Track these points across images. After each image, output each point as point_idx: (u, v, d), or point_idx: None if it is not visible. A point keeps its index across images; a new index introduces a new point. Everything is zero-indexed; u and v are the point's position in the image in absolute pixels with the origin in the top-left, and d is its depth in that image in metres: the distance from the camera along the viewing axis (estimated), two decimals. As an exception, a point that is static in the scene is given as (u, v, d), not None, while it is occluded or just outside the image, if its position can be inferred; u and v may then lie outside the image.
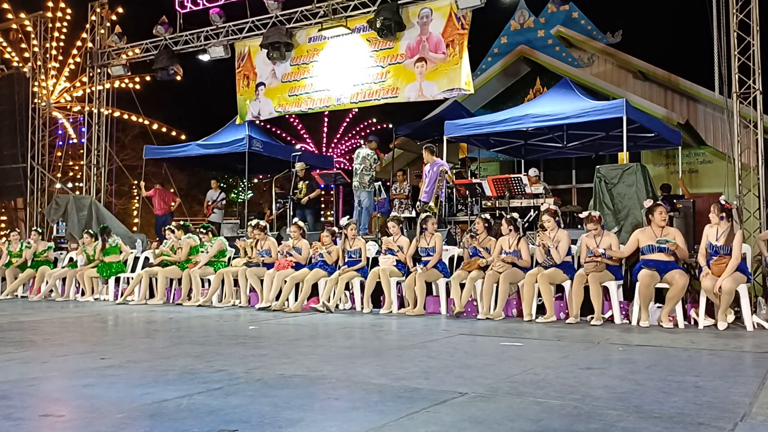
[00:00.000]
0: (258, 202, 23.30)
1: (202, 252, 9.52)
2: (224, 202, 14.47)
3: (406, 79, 10.49)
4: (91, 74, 14.00)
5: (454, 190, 10.35)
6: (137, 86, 19.43)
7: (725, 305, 5.97)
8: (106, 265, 10.07)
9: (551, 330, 6.05)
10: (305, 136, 31.36)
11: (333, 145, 32.20)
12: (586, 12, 15.46)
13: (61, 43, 19.32)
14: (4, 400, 3.22)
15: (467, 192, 9.91)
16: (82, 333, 6.23)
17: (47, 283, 10.34)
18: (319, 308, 7.77)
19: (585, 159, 13.03)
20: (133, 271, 10.27)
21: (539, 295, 6.83)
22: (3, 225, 21.02)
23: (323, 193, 12.96)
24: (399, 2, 10.35)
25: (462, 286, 7.29)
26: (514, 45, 14.92)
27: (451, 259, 8.11)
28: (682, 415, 2.88)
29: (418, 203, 10.09)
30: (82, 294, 10.17)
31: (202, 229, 9.80)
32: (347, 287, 8.20)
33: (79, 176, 18.53)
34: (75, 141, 19.74)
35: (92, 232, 10.74)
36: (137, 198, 23.09)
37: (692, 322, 6.38)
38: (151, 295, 9.51)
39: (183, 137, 20.65)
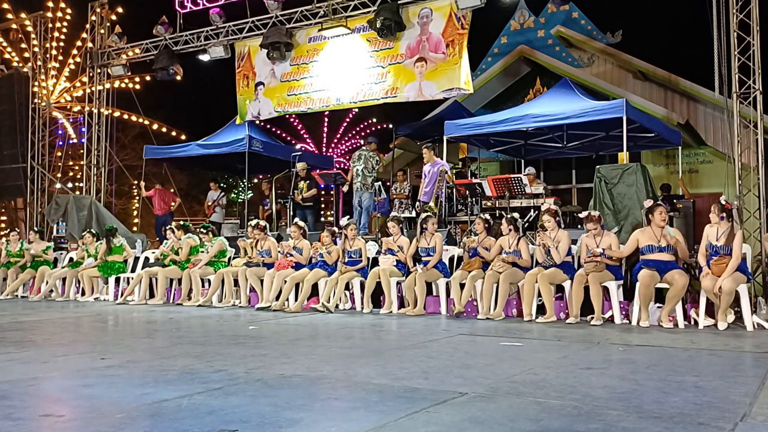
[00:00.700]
0: (258, 202, 23.30)
1: (203, 252, 9.52)
2: (225, 200, 14.47)
3: (406, 79, 10.49)
4: (91, 74, 14.00)
5: (454, 190, 10.35)
6: (137, 86, 19.43)
7: (725, 305, 5.97)
8: (108, 264, 10.08)
9: (551, 330, 6.05)
10: (305, 136, 31.35)
11: (333, 145, 32.19)
12: (586, 12, 15.48)
13: (61, 43, 19.32)
14: (4, 400, 3.22)
15: (467, 192, 9.91)
16: (82, 333, 6.23)
17: (47, 283, 10.34)
18: (319, 308, 7.77)
19: (585, 159, 13.03)
20: (133, 271, 10.27)
21: (539, 295, 6.83)
22: (3, 225, 21.02)
23: (323, 193, 12.96)
24: (399, 2, 10.35)
25: (462, 286, 7.29)
26: (514, 45, 14.93)
27: (451, 259, 8.11)
28: (682, 415, 2.88)
29: (417, 203, 10.10)
30: (82, 294, 10.17)
31: (202, 229, 9.81)
32: (347, 287, 8.20)
33: (79, 176, 18.54)
34: (75, 141, 19.74)
35: (94, 232, 10.74)
36: (137, 198, 23.09)
37: (692, 322, 6.38)
38: (151, 295, 9.51)
39: (183, 137, 20.65)
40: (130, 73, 14.32)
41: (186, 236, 9.69)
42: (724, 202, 6.30)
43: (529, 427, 2.71)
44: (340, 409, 3.08)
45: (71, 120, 19.69)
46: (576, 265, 7.01)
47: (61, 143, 16.91)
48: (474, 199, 9.87)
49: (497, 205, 9.59)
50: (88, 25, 14.14)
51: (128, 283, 9.78)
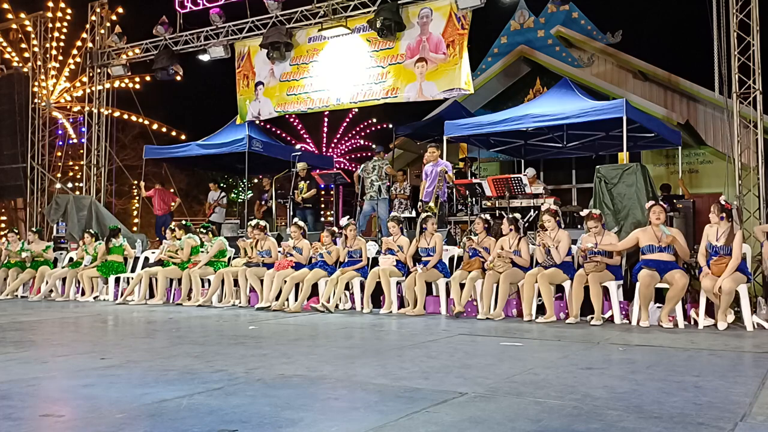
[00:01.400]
0: (257, 199, 23.31)
1: (203, 252, 9.52)
2: (225, 200, 14.46)
3: (406, 79, 10.50)
4: (91, 74, 14.00)
5: (454, 190, 10.35)
6: (137, 86, 19.43)
7: (725, 305, 5.97)
8: (107, 264, 10.08)
9: (551, 330, 6.05)
10: (305, 136, 31.36)
11: (333, 145, 32.20)
12: (586, 12, 15.48)
13: (61, 43, 19.30)
14: (4, 400, 3.22)
15: (467, 192, 9.91)
16: (82, 333, 6.23)
17: (47, 283, 10.34)
18: (319, 308, 7.77)
19: (585, 159, 13.03)
20: (133, 271, 10.27)
21: (539, 295, 6.83)
22: (3, 225, 21.02)
23: (323, 193, 12.95)
24: (399, 2, 10.35)
25: (462, 286, 7.29)
26: (514, 45, 14.93)
27: (451, 259, 8.11)
28: (682, 415, 2.88)
29: (420, 203, 10.09)
30: (82, 294, 10.17)
31: (202, 229, 9.81)
32: (347, 287, 8.20)
33: (79, 176, 18.54)
34: (75, 141, 19.73)
35: (93, 232, 10.74)
36: (137, 198, 23.10)
37: (692, 322, 6.38)
38: (151, 295, 9.51)
39: (183, 137, 20.65)
40: (130, 73, 14.31)
41: (186, 236, 9.69)
42: (723, 202, 6.30)
43: (529, 427, 2.71)
44: (340, 409, 3.08)
45: (71, 120, 19.67)
46: (576, 265, 7.01)
47: (61, 143, 16.92)
48: (474, 199, 9.87)
49: (497, 205, 9.58)
50: (88, 25, 14.15)
51: (128, 283, 9.78)
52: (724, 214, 6.22)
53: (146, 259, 10.33)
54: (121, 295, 9.62)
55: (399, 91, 10.56)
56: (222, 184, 18.15)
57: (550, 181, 13.54)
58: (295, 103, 11.68)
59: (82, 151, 15.58)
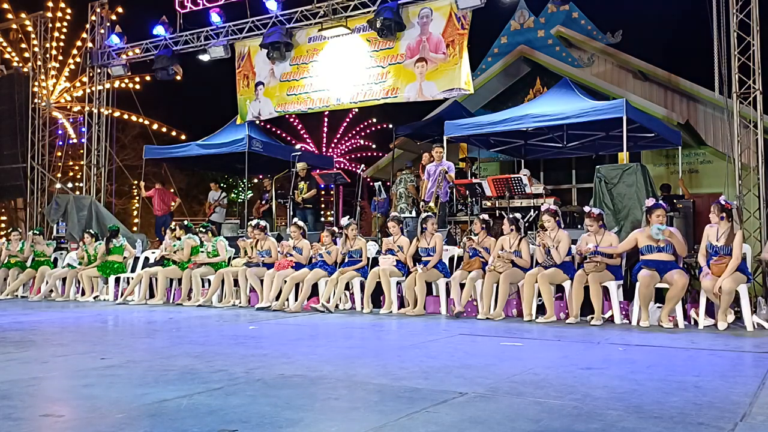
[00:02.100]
0: (258, 199, 23.34)
1: (202, 252, 9.51)
2: (225, 201, 14.47)
3: (406, 79, 10.50)
4: (91, 74, 14.00)
5: (454, 190, 10.35)
6: (137, 86, 19.44)
7: (725, 305, 5.96)
8: (107, 264, 10.08)
9: (551, 330, 6.05)
10: (305, 136, 31.35)
11: (333, 145, 32.19)
12: (586, 12, 15.47)
13: (61, 43, 19.34)
14: (4, 400, 3.22)
15: (467, 192, 9.91)
16: (82, 333, 6.23)
17: (47, 283, 10.34)
18: (319, 308, 7.77)
19: (585, 159, 13.03)
20: (133, 271, 10.27)
21: (539, 295, 6.83)
22: (3, 225, 21.02)
23: (323, 193, 12.94)
24: (399, 2, 10.34)
25: (462, 286, 7.29)
26: (514, 45, 14.92)
27: (451, 259, 8.11)
28: (682, 415, 2.88)
29: (422, 203, 10.09)
30: (82, 294, 10.17)
31: (202, 229, 9.80)
32: (347, 287, 8.20)
33: (79, 176, 18.54)
34: (75, 141, 19.74)
35: (93, 232, 10.74)
36: (137, 198, 23.10)
37: (692, 322, 6.38)
38: (151, 295, 9.51)
39: (183, 137, 20.66)
40: (130, 73, 14.31)
41: (186, 236, 9.69)
42: (723, 202, 6.29)
43: (529, 427, 2.71)
44: (340, 409, 3.08)
45: (71, 120, 19.69)
46: (576, 265, 7.01)
47: (61, 143, 16.91)
48: (474, 199, 9.87)
49: (497, 205, 9.58)
50: (88, 25, 14.14)
51: (128, 283, 9.78)
52: (724, 214, 6.22)
53: (146, 259, 10.32)
54: (121, 295, 9.62)
55: (399, 91, 10.56)
56: (222, 184, 18.17)
57: (550, 181, 13.54)
58: (296, 103, 11.68)
59: (82, 151, 15.59)
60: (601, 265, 6.61)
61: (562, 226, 7.42)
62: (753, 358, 4.73)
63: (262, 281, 8.57)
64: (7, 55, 18.10)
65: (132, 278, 9.72)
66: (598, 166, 8.19)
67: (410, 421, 2.81)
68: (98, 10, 13.92)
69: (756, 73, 8.35)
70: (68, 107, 20.59)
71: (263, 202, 13.62)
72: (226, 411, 2.96)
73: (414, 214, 10.30)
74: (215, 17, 11.95)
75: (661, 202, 6.68)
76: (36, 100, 14.64)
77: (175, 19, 12.50)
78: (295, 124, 30.72)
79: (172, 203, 13.71)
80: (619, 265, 6.87)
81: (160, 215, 13.54)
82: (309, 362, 4.31)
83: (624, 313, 6.67)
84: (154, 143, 14.98)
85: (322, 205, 20.20)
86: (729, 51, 8.46)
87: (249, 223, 9.48)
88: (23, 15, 16.06)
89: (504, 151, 12.88)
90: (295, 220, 9.53)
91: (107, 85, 13.96)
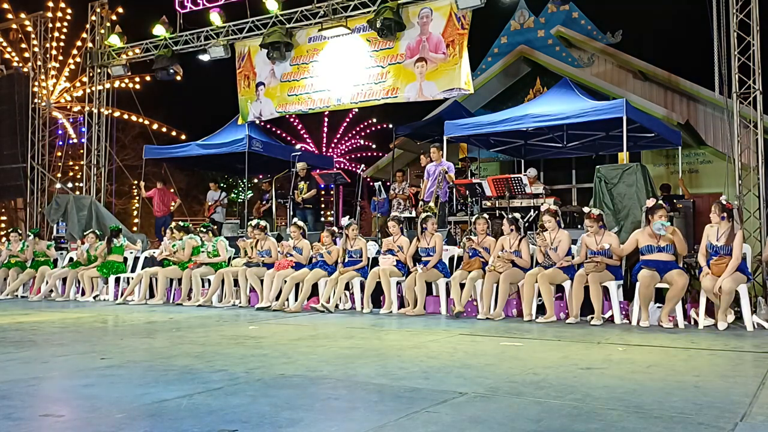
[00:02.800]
0: (258, 200, 23.35)
1: (203, 252, 9.51)
2: (226, 201, 14.46)
3: (406, 79, 10.50)
4: (91, 74, 14.00)
5: (454, 190, 10.35)
6: (137, 86, 19.44)
7: (725, 305, 5.96)
8: (108, 264, 10.08)
9: (551, 330, 6.05)
10: (305, 136, 31.36)
11: (333, 145, 32.19)
12: (586, 12, 15.47)
13: (61, 43, 19.33)
14: (4, 400, 3.22)
15: (467, 192, 9.90)
16: (82, 333, 6.23)
17: (47, 283, 10.34)
18: (319, 308, 7.77)
19: (585, 159, 13.03)
20: (133, 271, 10.27)
21: (539, 295, 6.83)
22: (3, 225, 21.02)
23: (323, 193, 12.93)
24: (399, 2, 10.34)
25: (462, 286, 7.29)
26: (514, 45, 14.93)
27: (451, 259, 8.11)
28: (682, 415, 2.88)
29: (421, 203, 10.09)
30: (82, 294, 10.17)
31: (203, 229, 9.80)
32: (347, 287, 8.20)
33: (79, 176, 18.54)
34: (75, 141, 19.75)
35: (98, 233, 10.72)
36: (137, 198, 23.10)
37: (692, 322, 6.38)
38: (151, 295, 9.51)
39: (183, 137, 20.66)
40: (130, 73, 14.31)
41: (187, 236, 9.69)
42: (724, 202, 6.29)
43: (529, 427, 2.71)
44: (340, 409, 3.08)
45: (71, 120, 19.69)
46: (576, 265, 7.01)
47: (61, 143, 16.92)
48: (474, 199, 9.87)
49: (497, 205, 9.58)
50: (88, 25, 14.14)
51: (128, 283, 9.78)
52: (725, 214, 6.22)
53: (146, 258, 10.32)
54: (121, 295, 9.62)
55: (399, 91, 10.56)
56: (222, 184, 18.16)
57: (550, 181, 13.54)
58: (296, 104, 11.68)
59: (82, 151, 15.59)
60: (601, 265, 6.61)
61: (562, 225, 7.42)
62: (753, 358, 4.73)
63: (262, 281, 8.57)
64: (7, 55, 18.09)
65: (132, 278, 9.72)
66: (598, 166, 8.19)
67: (410, 421, 2.81)
68: (98, 10, 13.92)
69: (756, 73, 8.35)
70: (68, 107, 20.60)
71: (263, 202, 13.62)
72: (226, 411, 2.96)
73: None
74: (215, 17, 11.96)
75: (660, 202, 6.69)
76: (36, 100, 14.64)
77: (175, 19, 12.51)
78: (295, 124, 30.73)
79: (172, 204, 13.70)
80: (619, 265, 6.87)
81: (159, 216, 13.54)
82: (309, 362, 4.31)
83: (624, 313, 6.67)
84: (154, 143, 14.98)
85: (322, 205, 20.19)
86: (729, 51, 8.45)
87: (249, 223, 9.48)
88: (23, 15, 16.07)
89: (504, 151, 12.88)
90: (295, 220, 9.53)
91: (107, 85, 13.96)
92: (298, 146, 22.15)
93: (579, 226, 8.56)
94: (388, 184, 12.48)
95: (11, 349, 4.99)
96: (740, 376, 3.91)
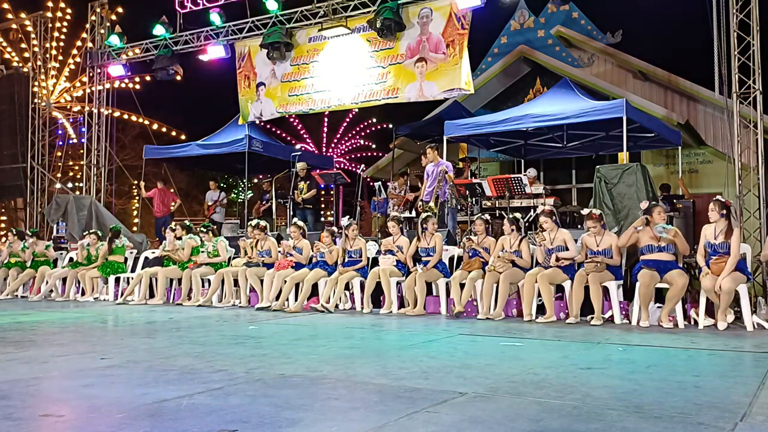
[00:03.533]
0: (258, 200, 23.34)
1: (203, 252, 9.51)
2: (225, 201, 14.46)
3: (406, 80, 10.50)
4: (91, 74, 14.00)
5: (455, 189, 10.34)
6: (137, 86, 19.43)
7: (725, 305, 5.96)
8: (108, 264, 10.08)
9: (551, 330, 6.05)
10: (305, 136, 31.35)
11: (333, 145, 32.19)
12: (586, 12, 15.47)
13: (61, 43, 19.30)
14: (4, 400, 3.22)
15: (467, 192, 9.91)
16: (82, 333, 6.23)
17: (47, 283, 10.33)
18: (318, 308, 7.77)
19: (585, 159, 13.03)
20: (133, 271, 10.27)
21: (539, 295, 6.83)
22: (3, 225, 21.01)
23: (323, 193, 12.93)
24: (399, 2, 10.34)
25: (462, 286, 7.29)
26: (514, 45, 14.93)
27: (451, 259, 8.11)
28: (682, 415, 2.88)
29: (420, 203, 10.08)
30: (82, 294, 10.17)
31: (203, 229, 9.80)
32: (347, 287, 8.20)
33: (79, 176, 18.54)
34: (75, 141, 19.74)
35: (99, 234, 10.71)
36: (137, 198, 23.08)
37: (692, 322, 6.38)
38: (151, 295, 9.51)
39: (183, 137, 20.65)
40: (130, 73, 14.31)
41: (187, 236, 9.69)
42: (723, 200, 6.29)
43: (529, 427, 2.71)
44: (340, 409, 3.08)
45: (71, 120, 19.68)
46: (576, 265, 7.00)
47: (61, 143, 16.91)
48: (474, 199, 9.87)
49: (497, 205, 9.58)
50: (88, 25, 14.14)
51: (128, 283, 9.78)
52: (724, 211, 6.22)
53: (146, 258, 10.32)
54: (121, 295, 9.62)
55: (399, 92, 10.56)
56: (222, 184, 18.16)
57: (550, 181, 13.54)
58: (297, 104, 11.68)
59: (82, 151, 15.58)
60: (601, 265, 6.61)
61: (560, 225, 7.41)
62: (753, 358, 4.73)
63: (262, 281, 8.57)
64: (7, 55, 18.07)
65: (132, 278, 9.72)
66: (598, 166, 8.19)
67: (410, 421, 2.81)
68: (98, 10, 13.93)
69: (756, 73, 8.35)
70: (68, 107, 20.57)
71: (263, 202, 13.62)
72: (226, 411, 2.96)
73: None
74: (215, 17, 11.96)
75: (654, 202, 6.69)
76: (36, 100, 14.64)
77: (175, 19, 12.51)
78: (295, 124, 30.72)
79: (172, 204, 13.69)
80: (619, 265, 6.87)
81: (159, 216, 13.53)
82: (309, 362, 4.31)
83: (624, 313, 6.67)
84: (154, 143, 14.98)
85: (322, 205, 20.20)
86: (729, 51, 8.46)
87: (249, 223, 9.48)
88: (23, 15, 16.05)
89: (504, 151, 12.89)
90: (295, 220, 9.52)
91: (107, 85, 13.96)
92: (298, 146, 22.13)
93: (579, 226, 8.57)
94: (388, 183, 12.48)
95: (11, 349, 4.99)
96: (740, 376, 3.91)
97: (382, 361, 4.38)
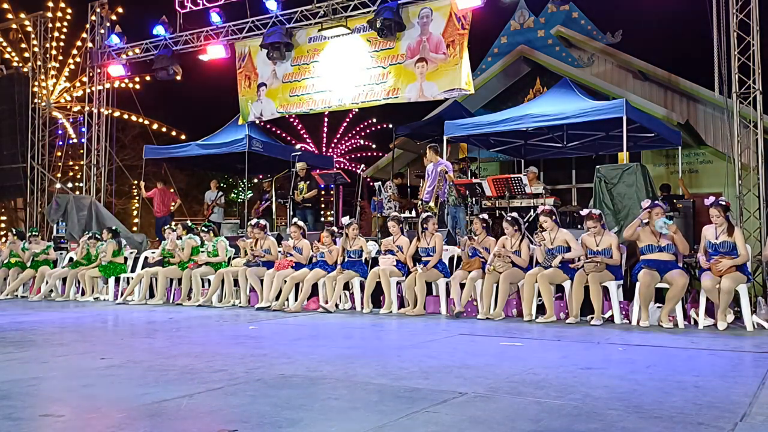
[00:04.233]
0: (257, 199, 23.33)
1: (203, 252, 9.50)
2: (223, 200, 14.46)
3: (406, 80, 10.49)
4: (91, 74, 14.00)
5: (455, 189, 10.34)
6: (137, 86, 19.42)
7: (724, 305, 5.96)
8: (109, 264, 10.07)
9: (551, 330, 6.05)
10: (305, 136, 31.34)
11: (333, 145, 32.18)
12: (586, 12, 15.46)
13: (61, 43, 19.30)
14: (4, 400, 3.22)
15: (467, 192, 9.90)
16: (82, 333, 6.23)
17: (47, 283, 10.33)
18: (329, 309, 7.76)
19: (585, 159, 13.03)
20: (133, 271, 10.27)
21: (539, 295, 6.82)
22: (3, 225, 21.01)
23: (323, 193, 12.93)
24: (399, 2, 10.34)
25: (462, 286, 7.29)
26: (514, 45, 14.93)
27: (451, 259, 8.11)
28: (682, 415, 2.88)
29: (420, 203, 10.07)
30: (82, 294, 10.17)
31: (204, 229, 9.80)
32: (347, 287, 8.20)
33: (79, 176, 18.53)
34: (75, 141, 19.73)
35: (99, 236, 10.69)
36: (137, 198, 23.08)
37: (692, 322, 6.38)
38: (151, 295, 9.51)
39: (183, 137, 20.64)
40: (130, 73, 14.31)
41: (187, 236, 9.69)
42: (723, 202, 6.29)
43: (529, 427, 2.71)
44: (340, 409, 3.08)
45: (71, 120, 19.67)
46: (577, 259, 6.98)
47: (61, 143, 16.90)
48: (474, 199, 9.86)
49: (497, 205, 9.58)
50: (88, 25, 14.14)
51: (128, 283, 9.77)
52: (726, 214, 6.23)
53: (146, 258, 10.32)
54: (121, 295, 9.62)
55: (400, 92, 10.56)
56: (222, 184, 18.16)
57: (550, 181, 13.54)
58: (298, 104, 11.68)
59: (82, 151, 15.58)
60: (601, 265, 6.61)
61: (560, 225, 7.41)
62: (753, 358, 4.73)
63: (262, 281, 8.57)
64: (7, 55, 18.08)
65: (132, 278, 9.72)
66: (598, 166, 8.18)
67: (410, 421, 2.81)
68: (98, 10, 13.92)
69: (756, 73, 8.36)
70: (68, 107, 20.56)
71: (261, 202, 13.62)
72: (226, 411, 2.96)
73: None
74: (215, 17, 11.97)
75: (657, 202, 6.69)
76: (36, 100, 14.64)
77: (175, 19, 12.51)
78: (295, 124, 30.71)
79: (172, 204, 13.69)
80: (619, 265, 6.86)
81: (159, 216, 13.52)
82: (309, 362, 4.31)
83: (624, 313, 6.67)
84: (154, 143, 14.98)
85: (322, 205, 20.18)
86: (729, 51, 8.46)
87: (249, 223, 9.48)
88: (23, 15, 16.05)
89: (504, 151, 12.88)
90: (295, 220, 9.52)
91: (107, 85, 13.95)
92: (298, 146, 22.14)
93: (579, 226, 8.56)
94: (388, 183, 12.48)
95: (11, 349, 4.99)
96: (740, 376, 3.91)
97: (382, 361, 4.38)
